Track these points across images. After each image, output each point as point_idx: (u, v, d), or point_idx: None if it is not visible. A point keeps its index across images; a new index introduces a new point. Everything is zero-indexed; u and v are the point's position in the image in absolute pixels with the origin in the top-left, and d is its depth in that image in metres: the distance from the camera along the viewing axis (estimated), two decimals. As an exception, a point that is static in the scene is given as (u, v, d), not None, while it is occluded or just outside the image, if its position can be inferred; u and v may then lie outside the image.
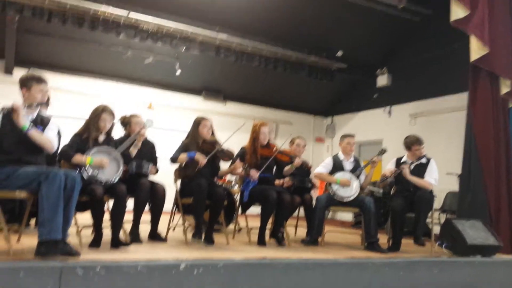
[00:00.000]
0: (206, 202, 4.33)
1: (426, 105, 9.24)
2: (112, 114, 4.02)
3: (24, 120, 3.21)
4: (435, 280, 4.05)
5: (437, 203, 6.03)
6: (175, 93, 10.19)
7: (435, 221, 5.39)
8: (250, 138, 4.99)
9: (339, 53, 9.74)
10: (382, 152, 5.37)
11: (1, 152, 3.23)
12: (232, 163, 4.76)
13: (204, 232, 4.39)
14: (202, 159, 4.39)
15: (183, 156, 4.48)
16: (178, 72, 9.28)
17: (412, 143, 5.08)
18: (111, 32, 7.71)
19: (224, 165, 4.90)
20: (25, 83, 3.37)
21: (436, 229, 5.30)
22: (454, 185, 6.98)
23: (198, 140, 4.61)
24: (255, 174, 4.71)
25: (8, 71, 8.50)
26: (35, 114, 3.42)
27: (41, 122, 3.43)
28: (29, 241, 3.58)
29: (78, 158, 3.70)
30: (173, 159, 4.54)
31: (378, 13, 8.33)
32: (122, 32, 7.75)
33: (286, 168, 5.06)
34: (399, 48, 9.95)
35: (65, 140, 3.92)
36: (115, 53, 8.84)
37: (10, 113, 3.24)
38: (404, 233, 4.99)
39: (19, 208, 4.32)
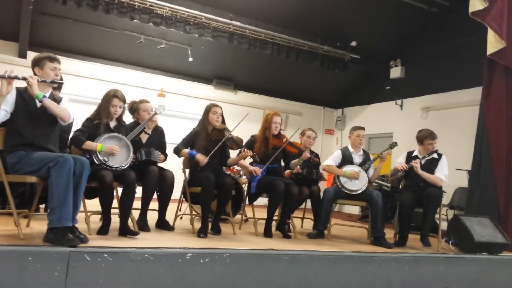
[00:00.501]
0: (213, 192, 4.34)
1: (438, 99, 9.14)
2: (123, 99, 4.01)
3: (38, 89, 3.23)
4: (441, 276, 4.04)
5: (446, 199, 5.99)
6: (186, 81, 10.20)
7: (443, 217, 5.35)
8: (261, 126, 4.98)
9: (353, 43, 9.66)
10: (393, 146, 5.35)
11: (14, 134, 3.26)
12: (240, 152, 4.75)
13: (211, 221, 4.42)
14: (203, 160, 4.39)
15: (185, 152, 4.50)
16: (191, 59, 9.28)
17: (425, 137, 5.03)
18: (125, 16, 7.71)
19: (233, 153, 4.89)
20: (37, 63, 3.39)
21: (444, 225, 5.28)
22: (463, 181, 6.96)
23: (207, 127, 4.61)
24: (257, 170, 4.70)
25: (22, 55, 8.55)
26: (48, 94, 3.41)
27: (53, 101, 3.44)
28: (39, 225, 3.65)
29: (88, 144, 3.73)
30: (176, 152, 4.55)
31: (394, 2, 8.24)
32: (136, 16, 7.74)
33: (293, 161, 5.04)
34: (414, 40, 9.83)
35: (77, 125, 3.94)
36: (129, 38, 8.85)
37: (23, 92, 3.28)
38: (411, 228, 4.97)
39: (29, 193, 4.39)
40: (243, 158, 4.65)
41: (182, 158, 4.70)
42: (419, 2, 8.40)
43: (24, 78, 3.18)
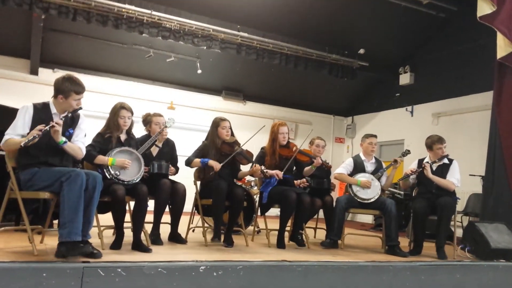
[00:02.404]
0: (225, 203, 4.33)
1: (449, 105, 9.08)
2: (130, 110, 4.04)
3: (61, 136, 3.24)
4: (457, 285, 3.98)
5: (460, 206, 5.91)
6: (196, 93, 10.26)
7: (458, 224, 5.28)
8: (269, 139, 4.97)
9: (361, 51, 9.65)
10: (406, 153, 5.32)
11: (28, 155, 3.27)
12: (252, 166, 4.74)
13: (224, 233, 4.41)
14: (216, 165, 4.40)
15: (197, 161, 4.51)
16: (199, 71, 9.34)
17: (433, 142, 4.98)
18: (134, 30, 7.80)
19: (244, 167, 4.89)
20: (62, 91, 3.32)
21: (459, 232, 5.21)
22: (477, 187, 6.88)
23: (217, 141, 4.62)
24: (279, 173, 4.67)
25: (34, 71, 8.67)
26: (65, 114, 3.42)
27: (70, 122, 3.47)
28: (52, 241, 3.65)
29: (100, 159, 3.75)
30: (188, 163, 4.56)
31: (402, 9, 8.24)
32: (145, 31, 7.84)
33: (306, 168, 5.03)
34: (422, 46, 9.80)
35: (88, 140, 3.96)
36: (138, 52, 8.95)
37: (39, 111, 3.31)
38: (426, 236, 4.91)
39: (43, 209, 4.42)
40: (253, 173, 4.65)
41: (193, 171, 4.71)
42: (427, 8, 8.39)
43: (51, 127, 3.16)
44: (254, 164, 4.57)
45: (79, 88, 3.37)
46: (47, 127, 3.15)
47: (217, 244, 4.35)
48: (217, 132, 4.64)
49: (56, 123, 3.17)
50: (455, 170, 4.93)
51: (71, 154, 3.38)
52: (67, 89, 3.32)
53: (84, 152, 3.51)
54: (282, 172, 4.70)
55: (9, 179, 3.30)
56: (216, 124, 4.68)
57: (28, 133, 3.23)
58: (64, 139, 3.27)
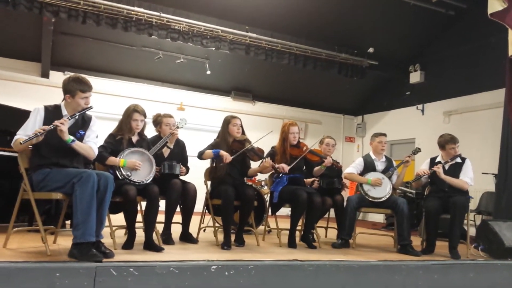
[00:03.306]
0: (234, 205, 4.32)
1: (460, 103, 9.00)
2: (143, 113, 4.07)
3: (68, 134, 3.25)
4: (471, 284, 3.93)
5: (473, 204, 5.86)
6: (205, 94, 10.28)
7: (471, 222, 5.23)
8: (279, 138, 4.97)
9: (371, 50, 9.61)
10: (416, 151, 5.28)
11: (40, 156, 3.31)
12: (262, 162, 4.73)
13: (235, 233, 4.41)
14: (227, 155, 4.39)
15: (209, 152, 4.49)
16: (209, 72, 9.36)
17: (446, 141, 4.93)
18: (144, 32, 7.84)
19: (254, 164, 4.88)
20: (69, 90, 3.36)
21: (472, 231, 5.16)
22: (490, 185, 6.81)
23: (228, 139, 4.63)
24: (285, 167, 4.66)
25: (45, 74, 8.75)
26: (76, 116, 3.44)
27: (82, 123, 3.49)
28: (65, 242, 3.69)
29: (112, 160, 3.78)
30: (200, 154, 4.56)
31: (411, 7, 8.19)
32: (154, 33, 7.87)
33: (316, 168, 5.02)
34: (432, 44, 9.73)
35: (100, 141, 3.99)
36: (147, 54, 8.99)
37: (51, 112, 3.33)
38: (439, 235, 4.86)
39: (55, 209, 4.46)
40: (264, 169, 4.64)
41: (204, 171, 4.72)
42: (436, 6, 8.33)
43: (56, 126, 3.18)
44: (265, 159, 4.55)
45: (84, 87, 3.39)
46: (50, 126, 3.17)
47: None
48: (228, 129, 4.64)
49: (60, 123, 3.19)
50: (468, 169, 4.88)
51: (82, 154, 3.38)
52: (73, 88, 3.36)
53: (96, 152, 3.52)
54: (289, 167, 4.68)
55: (22, 180, 3.34)
56: (227, 121, 4.68)
57: None
58: (72, 137, 3.27)
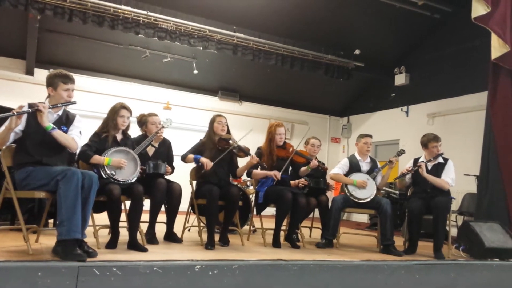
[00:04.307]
0: (219, 204, 4.33)
1: (444, 105, 9.12)
2: (130, 111, 4.06)
3: (47, 120, 3.23)
4: (452, 284, 3.99)
5: (455, 205, 5.95)
6: (192, 93, 10.26)
7: (452, 223, 5.30)
8: (266, 139, 4.99)
9: (357, 52, 9.67)
10: (400, 153, 5.34)
11: (23, 153, 3.28)
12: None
13: (219, 232, 4.42)
14: (207, 162, 4.41)
15: (191, 157, 4.53)
16: (196, 71, 9.35)
17: (428, 140, 5.01)
18: (130, 31, 7.79)
19: (241, 162, 4.89)
20: (51, 83, 3.38)
21: (454, 231, 5.24)
22: (472, 186, 6.91)
23: (213, 137, 4.64)
24: (277, 174, 4.69)
25: (30, 72, 8.66)
26: (60, 112, 3.45)
27: (66, 121, 3.47)
28: (48, 240, 3.66)
29: (96, 158, 3.75)
30: (183, 157, 4.58)
31: (397, 10, 8.28)
32: (141, 31, 7.83)
33: (302, 169, 5.05)
34: (417, 46, 9.85)
35: (84, 140, 3.96)
36: (134, 53, 8.94)
37: (35, 113, 3.30)
38: (421, 235, 4.93)
39: (38, 208, 4.42)
40: (251, 165, 4.66)
41: (189, 170, 4.72)
42: (422, 9, 8.43)
43: (36, 110, 3.16)
44: (252, 155, 4.57)
45: (65, 78, 3.39)
46: (29, 110, 3.15)
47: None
48: (213, 127, 4.67)
49: (41, 106, 3.17)
50: (450, 170, 4.96)
51: (63, 143, 3.32)
52: (54, 80, 3.37)
53: (79, 143, 3.47)
54: (280, 173, 4.72)
55: (4, 178, 3.30)
56: (213, 120, 4.72)
57: (21, 131, 3.25)
58: (52, 125, 3.25)
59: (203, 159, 4.43)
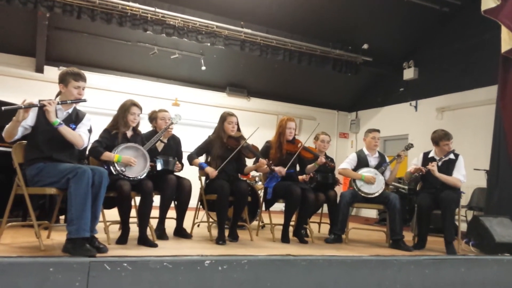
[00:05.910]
0: (229, 199, 4.36)
1: (453, 99, 9.06)
2: (140, 108, 4.07)
3: (54, 116, 3.25)
4: (461, 279, 3.98)
5: (464, 200, 5.91)
6: (200, 89, 10.29)
7: (462, 218, 5.27)
8: (276, 132, 4.99)
9: (365, 46, 9.63)
10: (409, 147, 5.31)
11: (34, 149, 3.31)
12: (256, 160, 4.75)
13: (228, 228, 4.44)
14: (212, 171, 4.43)
15: (196, 162, 4.56)
16: (204, 67, 9.37)
17: (440, 138, 4.93)
18: (139, 28, 7.83)
19: (249, 161, 4.91)
20: (62, 79, 3.41)
21: (463, 227, 5.21)
22: (481, 181, 6.87)
23: (222, 136, 4.65)
24: (282, 170, 4.70)
25: (39, 69, 8.73)
26: (70, 110, 3.47)
27: (75, 119, 3.50)
28: (59, 236, 3.71)
29: (106, 155, 3.77)
30: (189, 159, 4.60)
31: (405, 3, 8.22)
32: (149, 28, 7.86)
33: (309, 166, 5.04)
34: (426, 40, 9.77)
35: (94, 136, 3.99)
36: (142, 49, 8.98)
37: (43, 112, 3.31)
38: (430, 230, 4.90)
39: (49, 204, 4.46)
40: (260, 167, 4.67)
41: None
42: (431, 3, 8.36)
43: (42, 105, 3.19)
44: (260, 159, 4.58)
45: (76, 76, 3.41)
46: (37, 104, 3.18)
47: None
48: (223, 126, 4.67)
49: (48, 103, 3.20)
50: (461, 166, 4.89)
51: (69, 140, 3.33)
52: (66, 77, 3.40)
53: (85, 141, 3.49)
54: (286, 169, 4.72)
55: (15, 175, 3.34)
56: (223, 118, 4.71)
57: (31, 126, 3.28)
58: (59, 121, 3.27)
59: (208, 169, 4.46)
